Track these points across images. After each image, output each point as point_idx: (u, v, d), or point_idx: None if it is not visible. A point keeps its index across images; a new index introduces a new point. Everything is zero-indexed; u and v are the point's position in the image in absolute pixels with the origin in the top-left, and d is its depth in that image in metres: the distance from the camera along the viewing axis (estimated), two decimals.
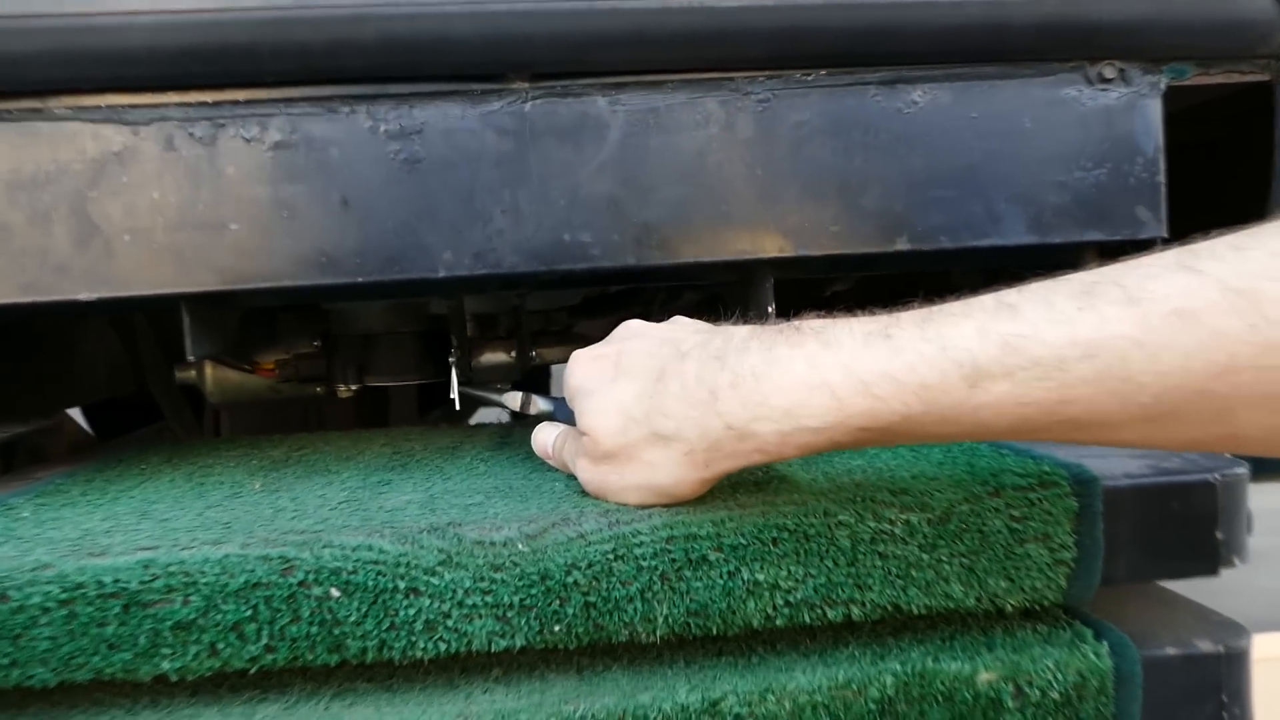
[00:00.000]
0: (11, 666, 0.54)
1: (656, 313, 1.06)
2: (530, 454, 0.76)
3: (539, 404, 0.71)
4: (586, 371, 0.61)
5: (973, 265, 0.72)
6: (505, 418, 0.90)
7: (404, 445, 0.83)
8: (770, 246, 0.65)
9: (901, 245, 0.66)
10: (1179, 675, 0.58)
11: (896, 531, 0.56)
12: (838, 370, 0.50)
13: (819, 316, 0.54)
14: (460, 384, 0.80)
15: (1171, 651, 0.59)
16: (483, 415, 1.70)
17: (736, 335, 0.55)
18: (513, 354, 0.84)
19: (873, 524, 0.56)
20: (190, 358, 0.66)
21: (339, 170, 0.63)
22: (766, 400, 0.51)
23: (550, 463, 0.68)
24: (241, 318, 0.75)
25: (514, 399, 0.73)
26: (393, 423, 1.34)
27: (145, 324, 1.02)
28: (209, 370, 0.88)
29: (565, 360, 1.01)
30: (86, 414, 1.62)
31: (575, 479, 0.65)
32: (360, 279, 0.63)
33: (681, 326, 0.61)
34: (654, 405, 0.56)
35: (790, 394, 0.51)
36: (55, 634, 0.54)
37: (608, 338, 0.63)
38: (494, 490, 0.64)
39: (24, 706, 0.57)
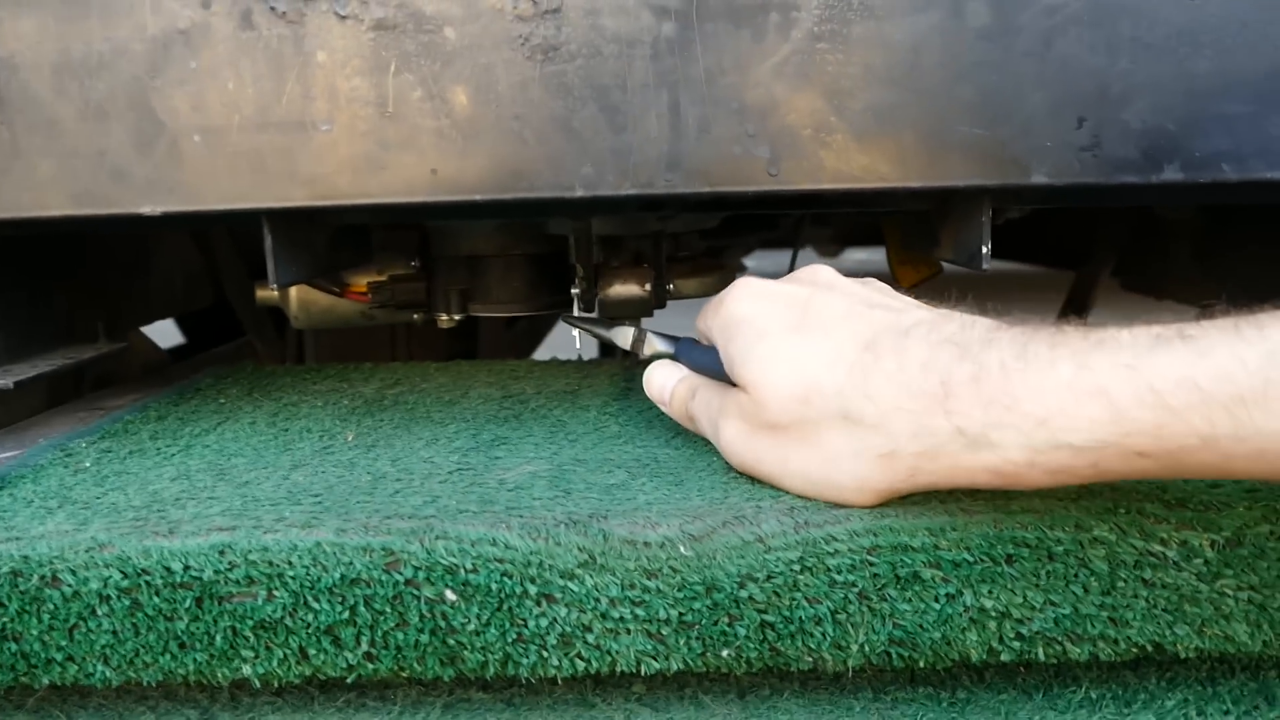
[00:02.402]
0: (67, 662, 0.45)
1: (797, 237, 0.93)
2: None
3: (655, 344, 0.59)
4: (760, 307, 0.48)
5: (1254, 200, 0.56)
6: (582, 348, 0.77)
7: (513, 387, 0.72)
8: (998, 171, 0.51)
9: (1171, 174, 0.51)
10: None
11: (1170, 554, 0.43)
12: (1118, 371, 0.37)
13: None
14: (563, 314, 0.68)
15: None
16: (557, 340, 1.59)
17: (978, 324, 0.43)
18: (647, 286, 0.71)
19: (1139, 543, 0.43)
20: (274, 286, 0.55)
21: (456, 59, 0.50)
22: (1016, 403, 0.39)
23: (667, 412, 0.56)
24: (331, 235, 0.64)
25: (623, 335, 0.61)
26: (482, 345, 1.23)
27: (224, 230, 0.91)
28: (294, 292, 0.77)
29: (703, 293, 0.89)
30: (178, 321, 1.55)
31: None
32: (479, 197, 0.51)
33: (885, 292, 0.48)
34: (854, 380, 0.43)
35: (1049, 398, 0.38)
36: (117, 627, 0.45)
37: (789, 276, 0.50)
38: (636, 464, 0.52)
39: (84, 702, 0.48)
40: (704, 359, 0.54)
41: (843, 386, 0.43)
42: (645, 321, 0.67)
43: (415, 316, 0.78)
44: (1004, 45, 0.50)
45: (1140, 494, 0.45)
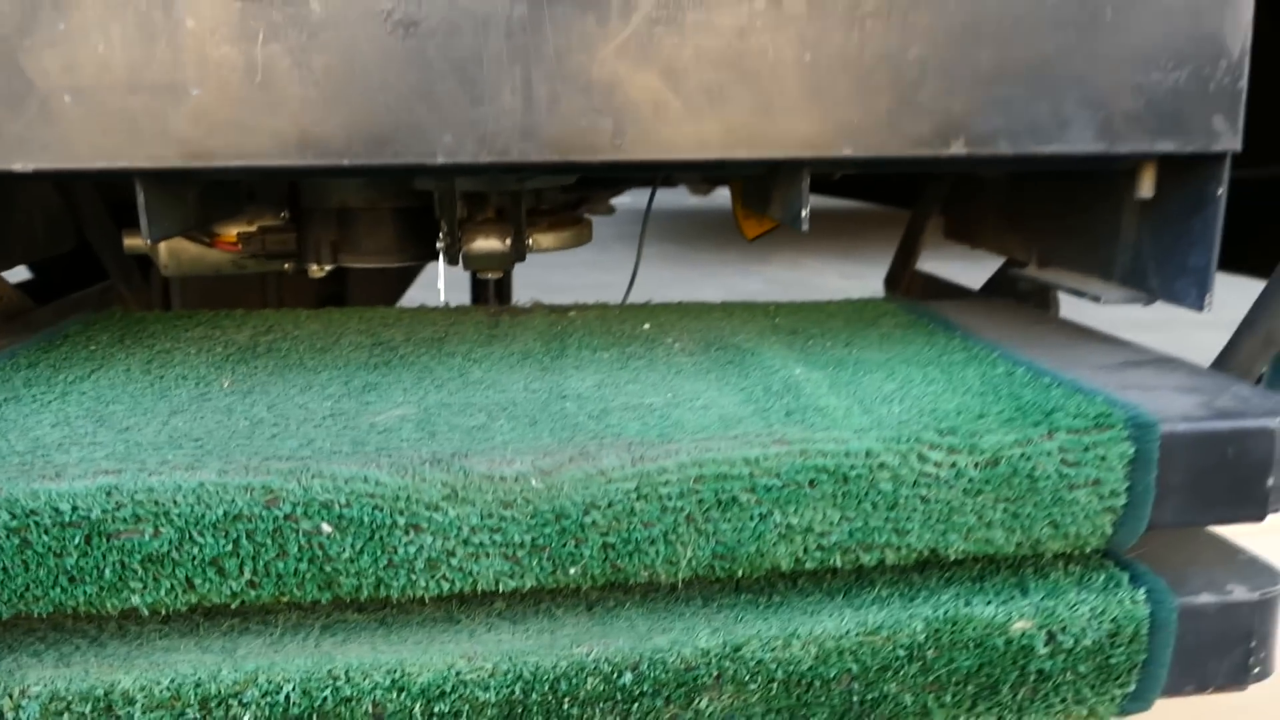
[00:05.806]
0: None
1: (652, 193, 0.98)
2: (527, 354, 0.70)
3: None
4: None
5: (1029, 169, 0.65)
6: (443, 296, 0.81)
7: (383, 335, 0.76)
8: (811, 145, 0.58)
9: (957, 149, 0.59)
10: (1213, 622, 0.56)
11: (941, 475, 0.52)
12: None
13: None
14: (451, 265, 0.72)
15: (1208, 599, 0.56)
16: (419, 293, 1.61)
17: None
18: (507, 241, 0.76)
19: (917, 466, 0.52)
20: (147, 241, 0.58)
21: (322, 30, 0.54)
22: None
23: None
24: (203, 189, 0.66)
25: None
26: (352, 290, 1.25)
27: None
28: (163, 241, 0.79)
29: (560, 246, 0.94)
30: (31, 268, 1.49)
31: (584, 397, 0.59)
32: (346, 161, 0.55)
33: None
34: None
35: None
36: (6, 564, 0.48)
37: None
38: (496, 408, 0.58)
39: None
40: None
41: None
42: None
43: (286, 266, 0.80)
44: (821, 29, 0.56)
45: (917, 423, 0.53)
